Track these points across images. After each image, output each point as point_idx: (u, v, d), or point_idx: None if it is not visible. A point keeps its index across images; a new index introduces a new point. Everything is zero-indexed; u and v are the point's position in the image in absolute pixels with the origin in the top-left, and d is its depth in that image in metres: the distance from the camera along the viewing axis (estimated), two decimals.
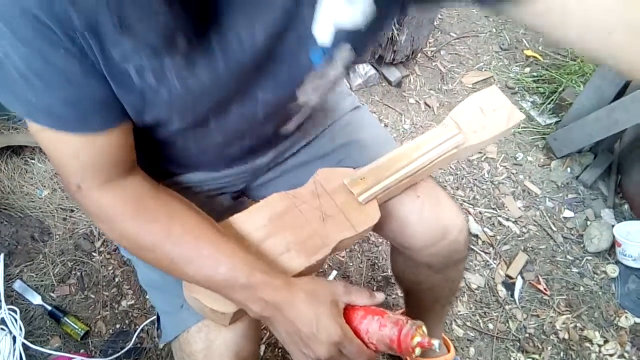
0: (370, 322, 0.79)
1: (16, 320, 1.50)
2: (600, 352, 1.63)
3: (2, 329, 1.47)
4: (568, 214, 1.97)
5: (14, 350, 1.44)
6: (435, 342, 0.76)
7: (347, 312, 0.81)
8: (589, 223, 1.93)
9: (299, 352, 0.78)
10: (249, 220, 0.88)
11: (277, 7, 0.64)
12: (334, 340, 0.75)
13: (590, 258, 1.85)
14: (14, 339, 1.46)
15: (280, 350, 1.56)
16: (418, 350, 0.77)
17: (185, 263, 0.76)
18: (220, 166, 0.99)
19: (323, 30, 0.68)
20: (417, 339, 0.76)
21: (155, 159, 0.91)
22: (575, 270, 1.82)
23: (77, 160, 0.71)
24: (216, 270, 0.75)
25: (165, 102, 0.69)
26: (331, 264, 1.75)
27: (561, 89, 2.31)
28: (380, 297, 0.82)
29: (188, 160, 0.95)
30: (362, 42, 0.74)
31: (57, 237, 1.74)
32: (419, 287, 1.20)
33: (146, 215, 0.76)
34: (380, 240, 1.82)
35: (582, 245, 1.88)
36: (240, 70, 0.69)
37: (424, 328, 0.79)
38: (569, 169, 2.10)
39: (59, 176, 1.87)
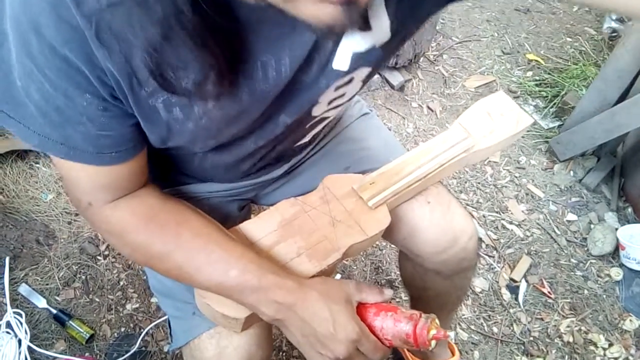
0: (384, 319, 0.80)
1: (21, 324, 1.50)
2: (604, 355, 1.63)
3: (8, 332, 1.47)
4: (571, 217, 1.97)
5: (19, 353, 1.44)
6: (450, 333, 0.78)
7: (360, 309, 0.81)
8: (592, 226, 1.93)
9: (315, 353, 0.78)
10: (259, 227, 0.88)
11: (305, 42, 0.64)
12: (352, 338, 0.75)
13: (593, 261, 1.86)
14: (19, 342, 1.47)
15: (284, 354, 1.56)
16: (433, 343, 0.78)
17: (196, 269, 0.76)
18: (232, 180, 0.99)
19: (342, 59, 0.69)
20: (433, 332, 0.78)
21: (167, 170, 0.92)
22: (579, 273, 1.82)
23: (90, 183, 0.72)
24: (226, 274, 0.75)
25: (191, 132, 0.69)
26: (337, 266, 1.75)
27: (563, 92, 2.31)
28: (388, 292, 0.83)
29: (201, 175, 0.96)
30: (379, 61, 0.75)
31: (62, 240, 1.74)
32: (426, 293, 1.20)
33: (155, 225, 0.76)
34: (384, 244, 1.83)
35: (585, 248, 1.89)
36: (264, 100, 0.69)
37: (437, 320, 0.80)
38: (571, 172, 2.10)
39: (65, 191, 1.88)
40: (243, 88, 0.65)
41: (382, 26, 0.67)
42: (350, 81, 0.75)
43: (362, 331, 0.77)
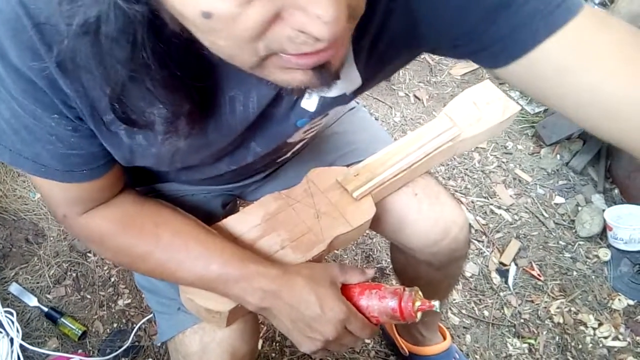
0: (369, 297, 0.81)
1: (13, 323, 1.50)
2: (594, 334, 1.65)
3: None
4: (559, 199, 1.99)
5: (12, 352, 1.44)
6: (435, 303, 0.79)
7: (345, 290, 0.82)
8: (579, 208, 1.95)
9: (305, 337, 0.78)
10: (242, 221, 0.88)
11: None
12: (340, 318, 0.76)
13: (582, 242, 1.87)
14: (11, 340, 1.46)
15: (277, 344, 1.57)
16: (419, 315, 0.80)
17: (177, 267, 0.76)
18: (213, 185, 0.99)
19: (310, 102, 0.69)
20: (418, 304, 0.79)
21: (144, 173, 0.92)
22: (567, 255, 1.84)
23: (62, 197, 0.72)
24: (208, 268, 0.75)
25: (155, 155, 0.69)
26: (326, 257, 1.75)
27: None
28: (370, 272, 0.84)
29: (177, 180, 0.96)
30: (350, 100, 0.76)
31: (51, 238, 1.74)
32: (417, 282, 1.18)
33: (133, 229, 0.77)
34: (374, 232, 1.83)
35: (573, 230, 1.90)
36: (230, 133, 0.69)
37: (420, 292, 0.82)
38: (558, 156, 2.12)
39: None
40: (209, 121, 0.65)
41: (352, 79, 0.66)
42: (326, 115, 0.77)
43: (350, 310, 0.78)
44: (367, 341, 1.58)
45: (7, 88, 0.57)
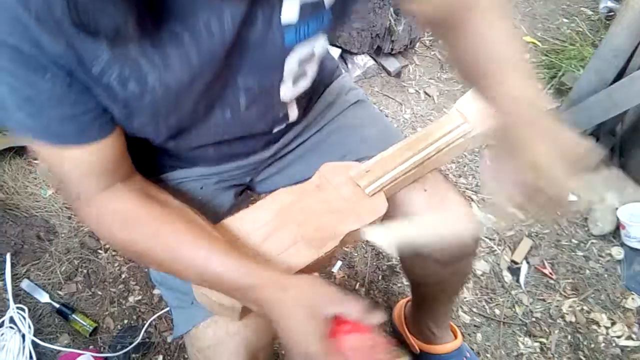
0: (355, 341, 0.74)
1: (24, 319, 1.50)
2: (607, 333, 1.63)
3: (11, 327, 1.48)
4: (571, 197, 1.96)
5: (23, 348, 1.45)
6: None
7: (335, 322, 0.75)
8: (593, 206, 1.93)
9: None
10: (255, 215, 0.88)
11: None
12: (308, 352, 0.72)
13: (594, 241, 1.86)
14: (23, 337, 1.47)
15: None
16: None
17: (177, 264, 0.77)
18: (218, 162, 0.99)
19: (289, 10, 0.70)
20: None
21: (151, 155, 0.92)
22: (580, 253, 1.82)
23: (77, 170, 0.73)
24: (206, 269, 0.75)
25: (149, 106, 0.70)
26: (336, 255, 1.75)
27: (560, 73, 2.31)
28: (378, 317, 0.75)
29: (187, 157, 0.96)
30: (329, 25, 0.77)
31: (63, 235, 1.75)
32: (426, 280, 1.19)
33: (135, 223, 0.77)
34: None
35: (586, 229, 1.89)
36: (213, 58, 0.69)
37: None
38: None
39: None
40: (188, 46, 0.65)
41: None
42: (311, 58, 0.78)
43: (320, 351, 0.72)
44: None
45: (2, 66, 0.59)
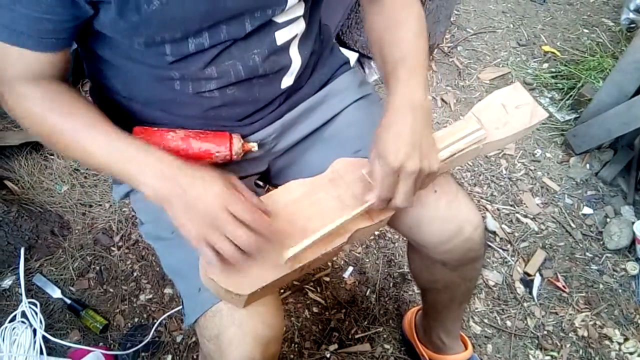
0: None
1: (36, 313, 1.51)
2: (619, 349, 1.61)
3: (23, 322, 1.49)
4: (587, 210, 1.95)
5: (34, 342, 1.46)
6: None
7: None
8: (608, 220, 1.91)
9: (190, 222, 0.78)
10: (266, 205, 0.88)
11: None
12: (220, 201, 0.77)
13: (609, 255, 1.83)
14: (34, 331, 1.48)
15: (296, 345, 1.57)
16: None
17: (88, 138, 0.81)
18: (225, 119, 1.00)
19: None
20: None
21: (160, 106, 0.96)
22: (594, 267, 1.80)
23: (16, 65, 0.80)
24: (117, 143, 0.80)
25: (160, 10, 0.76)
26: (347, 260, 1.74)
27: (580, 84, 2.28)
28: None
29: (190, 103, 0.97)
30: None
31: (76, 231, 1.76)
32: (434, 286, 1.19)
33: (55, 98, 0.83)
34: (397, 237, 1.82)
35: (601, 242, 1.86)
36: None
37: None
38: (587, 165, 2.08)
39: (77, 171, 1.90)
40: None
41: None
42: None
43: (232, 193, 0.79)
44: (387, 347, 1.57)
45: None
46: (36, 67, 0.82)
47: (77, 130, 0.82)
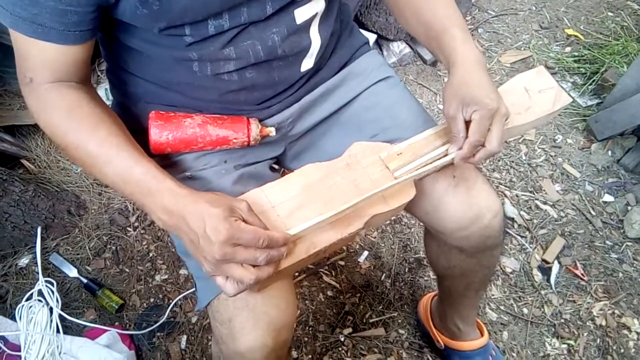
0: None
1: (53, 292, 1.52)
2: (638, 339, 1.59)
3: (39, 300, 1.50)
4: (608, 198, 1.92)
5: (51, 321, 1.47)
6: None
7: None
8: (629, 208, 1.87)
9: (201, 258, 0.77)
10: (282, 189, 0.88)
11: None
12: (221, 239, 0.73)
13: (630, 244, 1.80)
14: (51, 310, 1.49)
15: (310, 328, 1.56)
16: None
17: (104, 162, 0.81)
18: (242, 103, 0.99)
19: None
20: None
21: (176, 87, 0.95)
22: (614, 255, 1.77)
23: (40, 60, 0.79)
24: (131, 172, 0.79)
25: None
26: (363, 244, 1.73)
27: (603, 69, 2.23)
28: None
29: (209, 86, 0.95)
30: None
31: (93, 211, 1.76)
32: (451, 272, 1.18)
33: (77, 116, 0.82)
34: (413, 222, 1.80)
35: (621, 231, 1.83)
36: None
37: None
38: (609, 152, 2.04)
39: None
40: None
41: None
42: None
43: (233, 227, 0.75)
44: (401, 332, 1.56)
45: None
46: (60, 64, 0.80)
47: (96, 155, 0.81)
